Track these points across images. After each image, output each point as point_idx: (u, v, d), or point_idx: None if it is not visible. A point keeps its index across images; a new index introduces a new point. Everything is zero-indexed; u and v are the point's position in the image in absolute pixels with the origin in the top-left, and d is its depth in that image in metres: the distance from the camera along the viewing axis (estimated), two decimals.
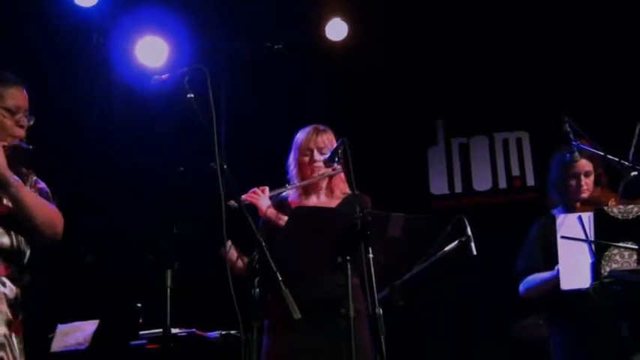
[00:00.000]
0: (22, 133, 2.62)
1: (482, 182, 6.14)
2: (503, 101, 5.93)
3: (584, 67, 5.62)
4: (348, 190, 3.40)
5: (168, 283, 2.52)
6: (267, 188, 3.31)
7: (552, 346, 3.64)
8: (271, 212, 3.25)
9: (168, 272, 2.52)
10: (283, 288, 2.30)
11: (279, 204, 3.39)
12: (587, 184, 3.54)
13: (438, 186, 6.18)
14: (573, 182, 3.55)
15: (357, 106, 5.80)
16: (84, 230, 2.82)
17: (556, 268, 3.33)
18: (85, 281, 4.22)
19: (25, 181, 2.67)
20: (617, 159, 3.27)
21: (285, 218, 3.07)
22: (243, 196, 3.14)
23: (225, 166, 2.48)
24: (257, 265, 2.47)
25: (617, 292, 3.04)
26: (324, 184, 3.43)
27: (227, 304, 2.42)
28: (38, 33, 5.23)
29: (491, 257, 3.88)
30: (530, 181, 6.04)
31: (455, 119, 6.22)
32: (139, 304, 4.10)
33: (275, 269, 2.31)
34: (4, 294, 2.51)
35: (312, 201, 3.40)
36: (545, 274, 3.45)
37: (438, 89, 5.99)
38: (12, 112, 2.59)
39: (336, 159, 3.07)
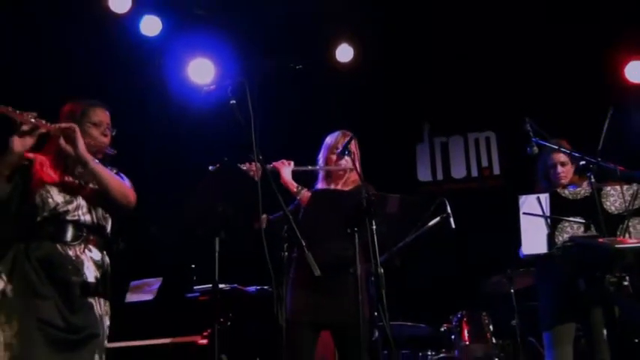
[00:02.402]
0: (106, 141, 2.65)
1: (458, 171, 6.11)
2: (474, 109, 5.91)
3: (542, 77, 5.54)
4: (359, 181, 3.34)
5: (217, 248, 2.48)
6: (292, 162, 3.27)
7: (540, 296, 3.55)
8: (289, 180, 3.19)
9: (217, 240, 2.48)
10: (306, 252, 2.26)
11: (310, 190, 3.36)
12: (564, 171, 3.45)
13: (424, 174, 6.16)
14: (552, 171, 3.47)
15: (360, 112, 5.75)
16: (150, 208, 2.78)
17: None
18: (151, 248, 4.19)
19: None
20: (568, 151, 3.20)
21: (297, 186, 3.08)
22: (272, 163, 3.10)
23: (260, 157, 2.44)
24: (286, 234, 2.43)
25: (575, 253, 2.97)
26: (344, 175, 3.34)
27: (262, 264, 2.39)
28: (113, 59, 5.21)
29: (465, 230, 3.82)
30: (496, 170, 6.03)
31: (437, 123, 6.22)
32: (193, 265, 4.06)
33: (300, 237, 2.27)
34: (91, 257, 2.53)
35: (332, 187, 3.32)
36: None
37: (424, 99, 5.96)
38: (97, 125, 2.63)
39: (347, 152, 3.04)
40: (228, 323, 3.65)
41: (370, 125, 5.72)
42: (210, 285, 3.71)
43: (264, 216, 2.90)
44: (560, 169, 3.45)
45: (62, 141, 2.46)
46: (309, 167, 3.35)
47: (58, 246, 2.45)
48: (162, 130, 5.66)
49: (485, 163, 6.04)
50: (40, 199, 2.47)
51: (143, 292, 4.01)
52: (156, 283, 4.03)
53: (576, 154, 3.04)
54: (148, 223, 2.74)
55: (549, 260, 3.20)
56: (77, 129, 2.48)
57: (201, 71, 5.62)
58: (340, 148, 3.13)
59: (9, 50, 4.65)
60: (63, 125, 2.48)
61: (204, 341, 3.67)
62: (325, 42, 5.82)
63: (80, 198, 2.54)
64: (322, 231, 2.86)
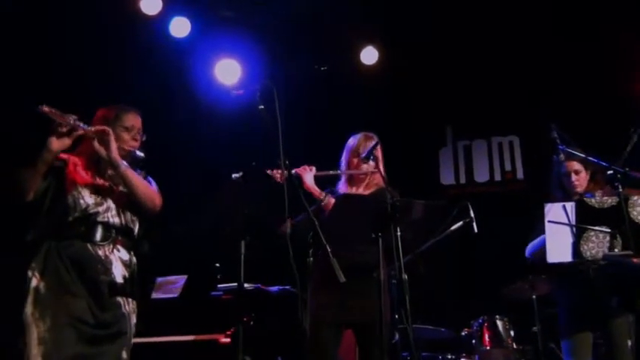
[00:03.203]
0: (136, 144, 2.69)
1: (481, 175, 6.05)
2: (498, 113, 5.83)
3: (567, 83, 5.46)
4: (381, 184, 3.32)
5: (242, 250, 2.49)
6: (314, 168, 3.25)
7: (559, 304, 3.51)
8: (312, 186, 3.17)
9: (242, 243, 2.49)
10: (332, 257, 2.26)
11: (332, 192, 3.33)
12: (579, 179, 3.40)
13: (447, 178, 6.11)
14: (566, 179, 3.42)
15: (385, 116, 5.72)
16: (178, 210, 2.82)
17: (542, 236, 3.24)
18: (178, 247, 4.23)
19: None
20: (595, 160, 3.14)
21: (321, 192, 3.06)
22: (295, 170, 3.06)
23: (287, 162, 2.44)
24: (311, 240, 2.42)
25: (609, 271, 2.94)
26: (366, 178, 3.32)
27: (285, 265, 2.39)
28: (143, 60, 5.25)
29: (487, 234, 3.77)
30: (520, 175, 5.93)
31: (460, 127, 6.17)
32: (217, 264, 4.08)
33: (325, 243, 2.27)
34: (120, 257, 2.58)
35: (353, 190, 3.32)
36: (538, 239, 3.35)
37: (448, 104, 5.90)
38: (128, 129, 2.68)
39: (372, 157, 3.02)
40: (251, 323, 3.66)
41: (394, 128, 5.71)
42: (235, 284, 3.77)
43: (289, 220, 2.90)
44: (574, 177, 3.40)
45: (96, 143, 2.51)
46: (331, 172, 3.33)
47: (89, 245, 2.51)
48: (189, 132, 5.70)
49: (508, 167, 5.96)
50: (73, 199, 2.53)
51: (168, 289, 4.05)
52: (181, 280, 4.07)
53: (604, 164, 2.98)
54: (174, 224, 2.76)
55: (570, 269, 3.16)
56: (111, 132, 2.53)
57: (228, 72, 5.65)
58: (365, 153, 3.11)
59: (41, 52, 4.72)
60: (99, 128, 2.52)
61: (227, 340, 3.69)
62: (350, 44, 5.79)
63: (110, 200, 2.60)
64: (346, 235, 2.86)
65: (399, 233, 2.58)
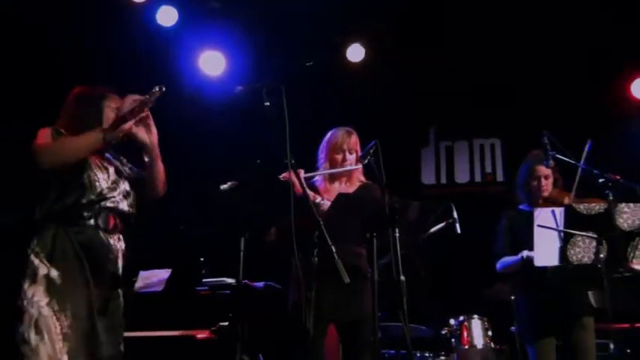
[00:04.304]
0: None
1: (462, 176, 6.11)
2: (481, 115, 5.90)
3: (549, 88, 5.55)
4: (363, 179, 3.30)
5: (242, 247, 2.47)
6: (302, 170, 3.16)
7: (517, 305, 3.66)
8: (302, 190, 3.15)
9: (242, 240, 2.47)
10: (336, 258, 2.23)
11: (309, 186, 3.30)
12: (547, 185, 3.47)
13: (428, 177, 6.15)
14: (535, 183, 3.48)
15: (369, 114, 5.72)
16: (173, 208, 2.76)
17: (519, 255, 3.34)
18: (162, 240, 4.17)
19: (123, 164, 2.65)
20: (587, 167, 3.20)
21: (315, 196, 3.01)
22: (283, 174, 2.96)
23: (293, 161, 2.41)
24: (317, 240, 2.41)
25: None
26: (346, 174, 3.30)
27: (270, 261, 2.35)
28: (129, 47, 5.16)
29: (467, 234, 3.81)
30: (500, 177, 6.02)
31: (443, 128, 6.21)
32: (202, 259, 4.02)
33: (330, 244, 2.25)
34: (121, 247, 2.49)
35: (335, 186, 3.28)
36: (513, 258, 3.42)
37: (431, 105, 5.92)
38: (115, 111, 2.53)
39: (368, 157, 3.02)
40: (238, 318, 3.63)
41: (377, 126, 5.70)
42: (222, 279, 3.74)
43: (273, 229, 2.86)
44: (543, 182, 3.46)
45: (134, 127, 2.38)
46: (319, 172, 3.28)
47: (100, 233, 2.38)
48: (173, 120, 5.62)
49: (488, 169, 6.05)
50: (89, 180, 2.38)
51: (152, 281, 3.98)
52: (164, 273, 3.99)
53: (596, 172, 3.06)
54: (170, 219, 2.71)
55: (532, 275, 3.24)
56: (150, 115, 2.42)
57: (212, 64, 5.61)
58: (362, 153, 3.10)
59: (24, 36, 4.58)
60: (141, 113, 2.39)
61: (212, 335, 3.65)
62: (337, 41, 5.79)
63: (121, 185, 2.48)
64: (342, 235, 2.84)
65: (397, 234, 2.58)
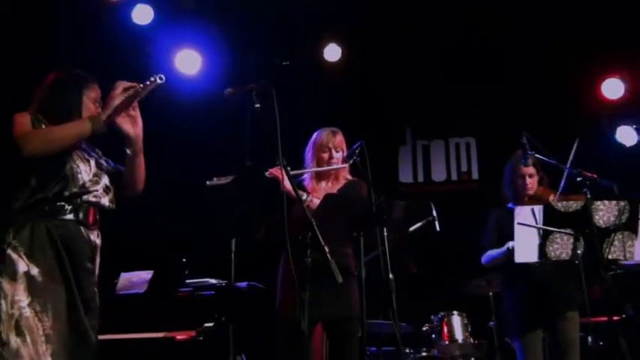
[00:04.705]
0: None
1: (438, 174, 6.19)
2: (457, 115, 6.00)
3: (523, 88, 5.66)
4: (349, 177, 3.33)
5: (233, 249, 2.48)
6: (289, 168, 3.24)
7: (502, 299, 3.71)
8: (289, 186, 3.17)
9: (233, 241, 2.48)
10: (330, 259, 2.25)
11: (297, 184, 3.32)
12: (531, 183, 3.54)
13: (405, 176, 6.21)
14: (520, 182, 3.55)
15: (346, 113, 5.75)
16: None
17: (504, 246, 3.41)
18: (144, 241, 4.13)
19: (100, 157, 2.53)
20: (565, 167, 3.29)
21: (303, 194, 3.02)
22: (269, 171, 2.96)
23: (285, 164, 2.41)
24: (310, 241, 2.43)
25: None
26: (332, 172, 3.32)
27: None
28: (104, 45, 5.08)
29: (445, 232, 3.88)
30: (475, 175, 6.12)
31: (420, 127, 6.28)
32: (184, 259, 4.00)
33: (323, 244, 2.27)
34: (98, 244, 2.37)
35: (322, 185, 3.31)
36: (499, 250, 3.50)
37: (408, 104, 5.98)
38: (95, 101, 2.44)
39: (354, 156, 3.06)
40: (223, 319, 3.63)
41: (354, 126, 5.74)
42: (205, 279, 3.73)
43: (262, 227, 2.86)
44: (528, 180, 3.54)
45: (120, 119, 2.29)
46: (305, 170, 3.30)
47: (82, 229, 2.27)
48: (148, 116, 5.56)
49: (464, 167, 6.14)
50: (71, 171, 2.26)
51: (134, 283, 3.95)
52: (146, 275, 3.95)
53: (574, 171, 3.15)
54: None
55: (518, 269, 3.32)
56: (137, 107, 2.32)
57: (188, 62, 5.58)
58: (347, 152, 3.14)
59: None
60: (131, 104, 2.29)
61: (196, 337, 3.63)
62: (314, 40, 5.81)
63: (102, 179, 2.37)
64: (330, 235, 2.87)
65: (385, 233, 2.62)
